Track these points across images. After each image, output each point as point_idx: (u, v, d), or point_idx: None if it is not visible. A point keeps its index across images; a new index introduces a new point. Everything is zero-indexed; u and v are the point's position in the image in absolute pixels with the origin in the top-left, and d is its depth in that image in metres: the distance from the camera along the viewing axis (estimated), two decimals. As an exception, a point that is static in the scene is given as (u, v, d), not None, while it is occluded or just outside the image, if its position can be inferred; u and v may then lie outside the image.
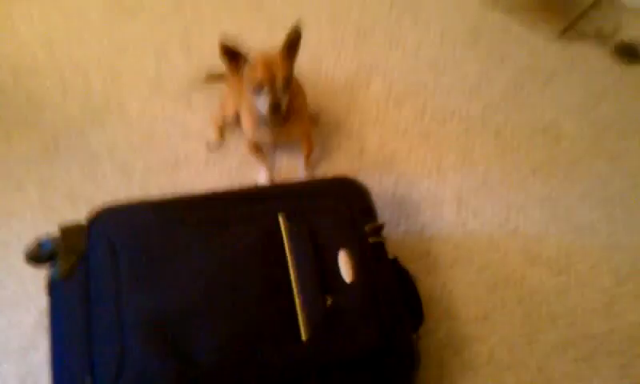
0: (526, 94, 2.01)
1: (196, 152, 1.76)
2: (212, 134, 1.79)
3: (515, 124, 1.93)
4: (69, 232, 1.24)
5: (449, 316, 1.56)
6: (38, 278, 1.48)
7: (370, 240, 1.27)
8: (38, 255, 1.25)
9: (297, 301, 1.17)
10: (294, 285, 1.17)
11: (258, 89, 1.45)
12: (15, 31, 1.96)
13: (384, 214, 1.65)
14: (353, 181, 1.36)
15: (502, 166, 1.83)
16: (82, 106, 1.82)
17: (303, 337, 1.14)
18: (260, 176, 1.72)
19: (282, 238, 1.21)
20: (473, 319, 1.57)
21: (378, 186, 1.75)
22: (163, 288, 1.13)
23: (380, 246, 1.29)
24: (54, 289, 1.19)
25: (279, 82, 1.45)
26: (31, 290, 1.50)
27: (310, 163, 1.74)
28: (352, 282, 1.20)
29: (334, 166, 1.78)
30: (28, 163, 1.70)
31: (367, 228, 1.28)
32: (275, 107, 1.46)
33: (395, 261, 1.38)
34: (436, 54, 2.09)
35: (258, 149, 1.72)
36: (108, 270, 1.15)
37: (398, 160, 1.81)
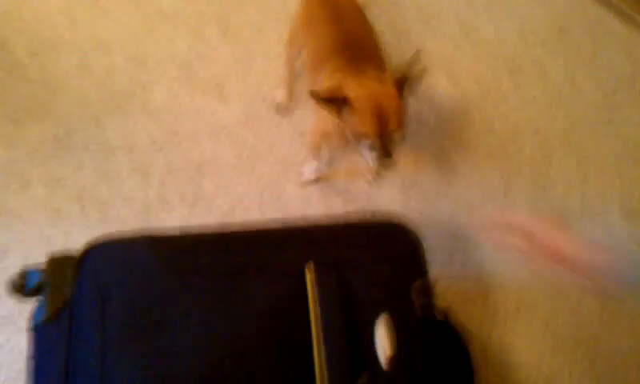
0: (618, 103, 1.69)
1: (224, 153, 1.53)
2: (280, 96, 1.58)
3: (602, 142, 1.62)
4: (58, 265, 1.04)
5: (504, 380, 1.31)
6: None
7: (417, 302, 1.03)
8: (24, 288, 1.06)
9: (319, 382, 0.94)
10: (316, 361, 0.95)
11: (364, 140, 1.16)
12: (33, 1, 1.74)
13: (437, 245, 1.40)
14: (401, 225, 1.10)
15: (582, 192, 1.54)
16: (102, 91, 1.60)
17: (327, 427, 0.92)
18: (308, 169, 1.48)
19: (307, 297, 0.98)
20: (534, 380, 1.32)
21: (431, 208, 1.49)
22: (158, 354, 0.92)
23: (428, 309, 1.05)
24: (37, 330, 1.00)
25: (392, 135, 1.14)
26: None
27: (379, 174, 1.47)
28: (390, 359, 0.97)
29: (385, 187, 1.52)
30: (36, 157, 1.51)
31: (415, 286, 1.04)
32: (386, 155, 1.16)
33: (446, 319, 1.13)
34: (512, 51, 1.78)
35: (320, 148, 1.44)
36: (94, 321, 0.95)
37: (456, 178, 1.54)
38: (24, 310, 1.33)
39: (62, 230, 1.40)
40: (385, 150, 1.15)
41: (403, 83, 1.13)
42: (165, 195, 1.46)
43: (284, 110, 1.56)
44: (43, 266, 1.06)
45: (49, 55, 1.65)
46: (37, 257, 1.03)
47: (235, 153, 1.53)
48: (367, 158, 1.19)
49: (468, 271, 1.41)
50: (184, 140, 1.54)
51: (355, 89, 1.12)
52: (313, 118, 1.42)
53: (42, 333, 1.00)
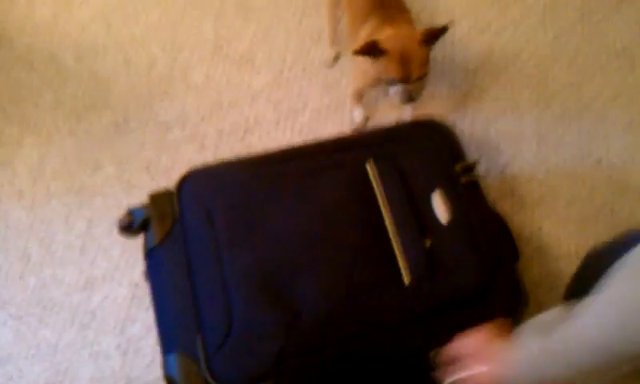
0: (596, 20, 1.92)
1: (266, 113, 1.74)
2: (329, 51, 1.81)
3: (588, 52, 1.85)
4: (159, 199, 1.24)
5: (540, 254, 1.52)
6: (126, 253, 1.53)
7: (463, 179, 1.24)
8: (131, 225, 1.26)
9: (395, 246, 1.15)
10: (389, 230, 1.16)
11: (392, 82, 1.38)
12: (72, 14, 1.96)
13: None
14: (439, 123, 1.32)
15: (578, 96, 1.76)
16: (148, 80, 1.81)
17: (405, 281, 1.12)
18: (356, 114, 1.69)
19: (371, 183, 1.19)
20: (565, 255, 1.53)
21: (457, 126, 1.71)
22: (262, 244, 1.13)
23: (473, 185, 1.26)
24: (152, 255, 1.20)
25: (415, 79, 1.36)
26: (122, 265, 1.53)
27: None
28: (449, 222, 1.17)
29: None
30: (101, 142, 1.71)
31: (458, 167, 1.25)
32: (409, 100, 1.39)
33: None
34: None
35: (362, 97, 1.67)
36: (204, 231, 1.15)
37: (470, 100, 1.76)
38: (118, 267, 1.53)
39: (136, 197, 1.58)
40: (408, 95, 1.37)
41: (431, 36, 1.35)
42: (220, 155, 1.67)
43: (333, 63, 1.81)
44: (145, 204, 1.26)
45: (94, 59, 1.86)
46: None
47: (275, 112, 1.75)
48: (392, 94, 1.41)
49: (493, 174, 1.63)
50: (228, 110, 1.75)
51: (387, 41, 1.34)
52: (355, 71, 1.66)
53: (157, 254, 1.19)
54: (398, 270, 1.13)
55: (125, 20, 1.93)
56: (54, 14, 1.94)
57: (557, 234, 1.55)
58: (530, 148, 1.68)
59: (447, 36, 1.37)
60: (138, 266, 1.44)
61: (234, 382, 1.04)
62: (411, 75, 1.34)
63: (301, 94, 1.78)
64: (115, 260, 1.54)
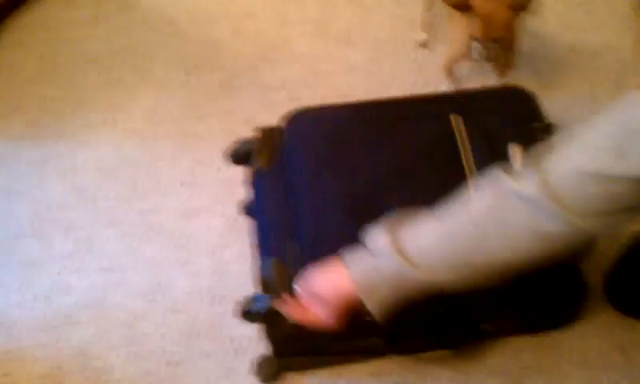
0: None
1: (359, 83, 1.90)
2: (420, 34, 1.97)
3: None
4: (268, 132, 1.40)
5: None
6: (222, 190, 1.69)
7: (539, 138, 1.34)
8: (239, 154, 1.42)
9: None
10: (468, 178, 1.27)
11: (476, 40, 1.55)
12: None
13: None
14: (521, 88, 1.43)
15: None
16: (254, 47, 2.01)
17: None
18: (444, 88, 1.82)
19: (455, 134, 1.31)
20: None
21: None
22: (352, 175, 1.26)
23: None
24: (258, 176, 1.36)
25: (495, 40, 1.53)
26: (218, 200, 1.69)
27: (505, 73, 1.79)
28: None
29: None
30: (208, 97, 1.90)
31: (536, 126, 1.36)
32: (488, 59, 1.57)
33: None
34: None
35: (452, 70, 1.79)
36: (304, 160, 1.30)
37: (550, 88, 1.86)
38: (214, 201, 1.70)
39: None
40: (488, 54, 1.53)
41: (519, 4, 1.51)
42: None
43: (423, 46, 1.97)
44: (254, 136, 1.43)
45: (208, 25, 2.07)
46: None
47: (367, 83, 1.90)
48: (474, 54, 1.58)
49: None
50: (325, 78, 1.92)
51: (477, 2, 1.50)
52: (450, 37, 1.79)
53: (263, 174, 1.35)
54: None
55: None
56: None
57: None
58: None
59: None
60: (232, 201, 1.61)
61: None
62: (491, 34, 1.50)
63: (391, 70, 1.93)
64: (212, 195, 1.71)
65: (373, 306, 0.95)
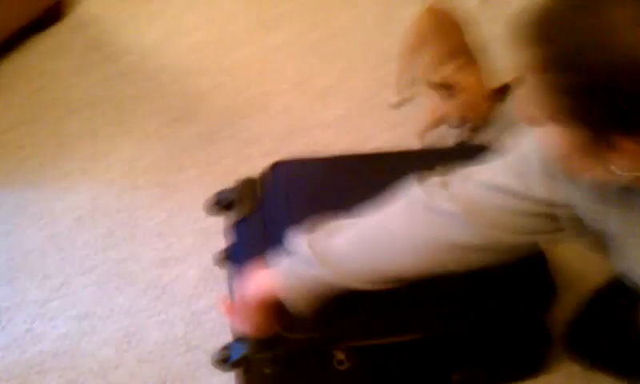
0: None
1: (336, 138, 1.98)
2: (393, 96, 2.05)
3: None
4: (246, 183, 1.45)
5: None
6: (198, 242, 1.72)
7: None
8: (222, 202, 1.46)
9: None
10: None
11: (452, 121, 1.62)
12: (175, 41, 2.26)
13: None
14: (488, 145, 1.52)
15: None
16: (233, 103, 2.07)
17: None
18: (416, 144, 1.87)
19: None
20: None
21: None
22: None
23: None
24: (239, 225, 1.39)
25: (479, 123, 1.61)
26: (194, 251, 1.71)
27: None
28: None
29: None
30: (187, 149, 1.94)
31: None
32: (470, 138, 1.63)
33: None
34: None
35: (425, 136, 1.84)
36: (281, 209, 1.34)
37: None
38: (190, 253, 1.71)
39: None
40: (469, 134, 1.62)
41: (501, 91, 1.57)
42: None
43: (397, 106, 2.05)
44: (234, 186, 1.46)
45: (189, 80, 2.14)
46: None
47: (341, 139, 1.98)
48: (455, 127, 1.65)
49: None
50: (301, 134, 1.98)
51: (460, 85, 1.57)
52: (428, 108, 1.83)
53: (242, 225, 1.39)
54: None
55: (218, 53, 2.23)
56: (159, 39, 2.25)
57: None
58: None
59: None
60: (208, 252, 1.62)
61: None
62: (469, 118, 1.58)
63: (365, 128, 2.01)
64: (188, 246, 1.73)
65: (290, 302, 1.03)
